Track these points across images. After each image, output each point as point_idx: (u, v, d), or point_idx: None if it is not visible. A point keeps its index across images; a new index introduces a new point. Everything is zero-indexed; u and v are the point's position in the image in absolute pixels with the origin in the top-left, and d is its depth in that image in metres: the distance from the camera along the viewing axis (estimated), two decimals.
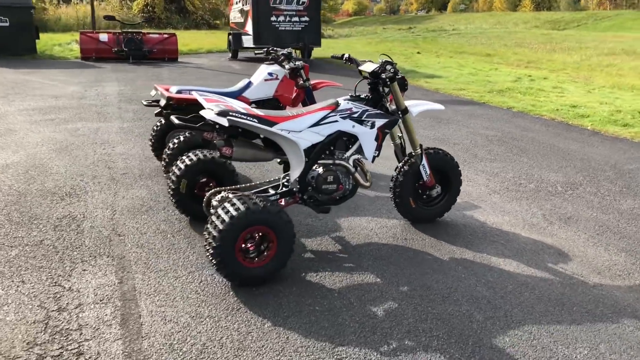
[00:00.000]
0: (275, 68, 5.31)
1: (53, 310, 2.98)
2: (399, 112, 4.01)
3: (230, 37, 18.29)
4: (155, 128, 5.35)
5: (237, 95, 5.17)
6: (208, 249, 3.21)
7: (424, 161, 4.18)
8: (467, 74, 14.90)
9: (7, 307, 3.00)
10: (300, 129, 3.69)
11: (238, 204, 3.21)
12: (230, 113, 3.46)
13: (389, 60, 3.84)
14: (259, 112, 3.59)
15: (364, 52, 20.20)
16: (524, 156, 6.62)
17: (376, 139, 3.88)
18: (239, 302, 3.13)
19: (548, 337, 2.91)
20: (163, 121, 5.32)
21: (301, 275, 3.46)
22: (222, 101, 3.87)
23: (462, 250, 3.92)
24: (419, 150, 4.16)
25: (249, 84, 5.23)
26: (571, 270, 3.68)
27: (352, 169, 3.89)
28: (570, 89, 12.39)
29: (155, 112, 5.29)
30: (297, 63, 5.34)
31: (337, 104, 3.82)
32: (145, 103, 5.29)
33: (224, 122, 3.39)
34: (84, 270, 3.44)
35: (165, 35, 17.19)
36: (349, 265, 3.61)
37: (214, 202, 3.64)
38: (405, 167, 4.20)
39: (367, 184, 4.00)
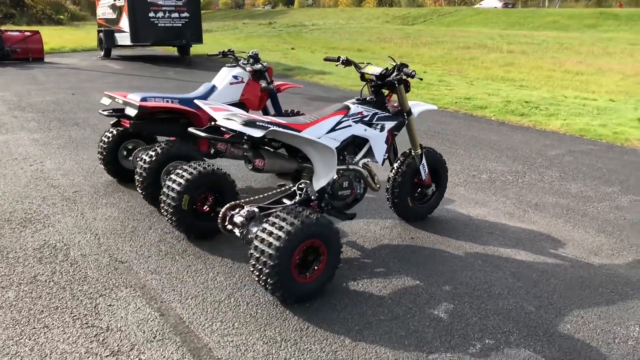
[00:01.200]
0: (239, 71, 5.09)
1: (108, 356, 2.63)
2: (405, 114, 4.04)
3: (100, 34, 17.12)
4: (106, 139, 4.89)
5: (197, 98, 4.87)
6: (262, 270, 3.02)
7: (424, 160, 4.27)
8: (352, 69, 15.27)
9: None
10: (319, 135, 3.60)
11: (290, 218, 3.06)
12: (258, 123, 3.29)
13: (403, 63, 3.85)
14: (281, 120, 3.44)
15: (243, 48, 19.91)
16: (459, 149, 6.99)
17: (386, 142, 3.90)
18: (302, 321, 2.99)
19: (598, 319, 3.13)
20: (114, 132, 4.87)
21: (343, 286, 3.39)
22: (225, 109, 3.66)
23: (469, 244, 4.07)
24: (419, 151, 4.23)
25: (213, 88, 4.96)
26: (572, 254, 3.98)
27: (366, 173, 3.87)
28: (453, 82, 13.26)
29: (113, 122, 4.85)
30: (261, 65, 5.17)
31: (347, 108, 3.77)
32: (105, 113, 4.80)
33: (256, 133, 3.20)
34: (110, 305, 3.08)
35: (28, 33, 15.66)
36: (381, 270, 3.61)
37: (239, 218, 3.42)
38: (404, 168, 4.26)
39: (377, 186, 4.01)
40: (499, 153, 6.81)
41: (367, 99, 3.95)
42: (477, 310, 3.17)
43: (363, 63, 4.08)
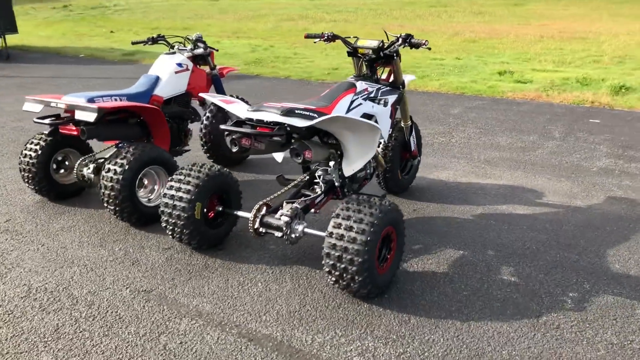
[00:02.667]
0: (182, 58, 4.56)
1: None
2: (400, 86, 3.97)
3: None
4: (33, 153, 4.10)
5: (149, 94, 4.32)
6: (346, 269, 2.78)
7: (414, 132, 4.26)
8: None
9: None
10: None
11: (366, 208, 2.86)
12: (297, 112, 3.02)
13: (409, 34, 3.75)
14: (306, 105, 3.20)
15: (54, 36, 17.92)
16: None
17: (390, 117, 3.81)
18: (398, 312, 2.85)
19: (629, 254, 3.43)
20: (42, 142, 4.12)
21: (410, 271, 3.28)
22: (235, 101, 3.34)
23: (468, 206, 4.19)
24: (409, 123, 4.21)
25: (157, 80, 4.39)
26: (557, 200, 4.30)
27: (378, 152, 3.77)
28: (307, 54, 13.35)
29: (49, 130, 4.09)
30: (203, 49, 4.70)
31: (354, 86, 3.61)
32: (48, 122, 4.01)
33: (302, 122, 2.94)
34: (182, 342, 2.64)
35: None
36: (418, 247, 3.56)
37: (285, 218, 3.13)
38: (393, 142, 4.21)
39: (386, 165, 3.93)
40: (415, 116, 7.02)
41: (363, 74, 3.80)
42: (535, 268, 3.27)
43: (349, 37, 3.89)
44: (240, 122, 3.13)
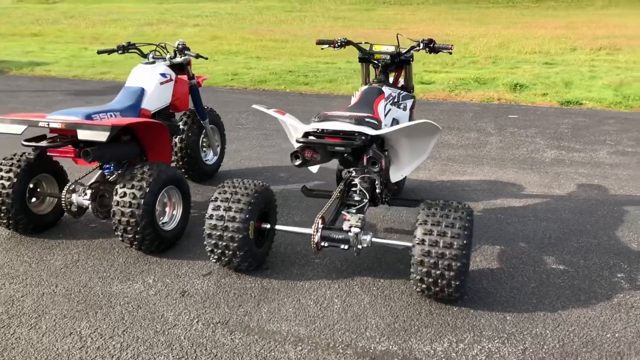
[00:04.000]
0: (163, 67, 4.22)
1: None
2: (411, 90, 4.06)
3: None
4: (6, 182, 3.58)
5: (138, 108, 3.97)
6: (442, 274, 2.80)
7: None
8: (69, 56, 13.45)
9: None
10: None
11: (453, 212, 2.91)
12: (367, 120, 3.01)
13: (431, 38, 3.81)
14: (359, 113, 3.19)
15: None
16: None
17: (409, 121, 3.89)
18: (501, 308, 2.93)
19: None
20: (16, 168, 3.62)
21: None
22: (286, 113, 3.25)
23: (470, 203, 4.30)
24: None
25: (142, 92, 4.03)
26: (547, 192, 4.66)
27: None
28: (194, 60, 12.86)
29: (34, 154, 3.60)
30: (183, 57, 4.40)
31: (382, 92, 3.64)
32: (45, 144, 3.49)
33: (375, 131, 2.94)
34: None
35: None
36: None
37: (355, 230, 3.07)
38: None
39: None
40: None
41: (378, 79, 3.83)
42: (570, 254, 3.53)
43: (361, 43, 3.89)
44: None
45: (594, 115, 7.38)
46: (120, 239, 3.41)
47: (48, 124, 3.36)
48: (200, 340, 2.66)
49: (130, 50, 4.31)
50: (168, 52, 4.36)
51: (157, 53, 4.32)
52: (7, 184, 3.57)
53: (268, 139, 6.26)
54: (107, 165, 3.80)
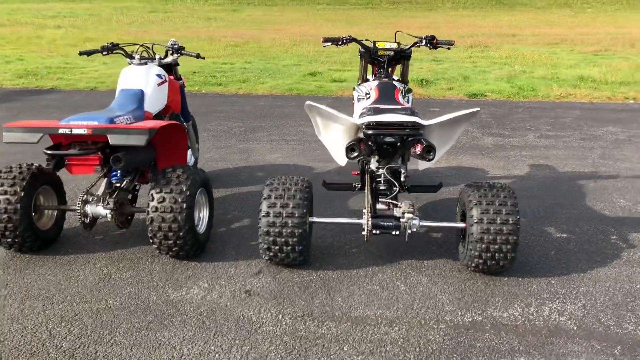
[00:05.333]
0: (157, 68, 4.09)
1: None
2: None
3: None
4: (12, 197, 3.30)
5: (142, 111, 3.83)
6: (503, 248, 3.08)
7: None
8: None
9: None
10: None
11: (502, 192, 3.20)
12: (416, 112, 3.26)
13: (433, 35, 4.08)
14: (397, 105, 3.42)
15: None
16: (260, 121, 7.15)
17: None
18: (572, 276, 3.30)
19: (623, 200, 4.46)
20: (21, 181, 3.38)
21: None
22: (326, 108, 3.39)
23: (454, 188, 4.76)
24: None
25: (142, 94, 3.90)
26: (513, 173, 5.15)
27: None
28: (80, 63, 12.20)
29: (50, 163, 3.37)
30: (173, 57, 4.30)
31: (395, 85, 3.88)
32: (74, 152, 3.25)
33: (428, 121, 3.20)
34: None
35: None
36: None
37: (409, 215, 3.27)
38: None
39: None
40: (294, 121, 7.29)
41: (387, 74, 4.05)
42: (580, 224, 4.01)
43: (363, 40, 4.09)
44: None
45: (503, 105, 8.19)
46: (156, 246, 3.29)
47: (71, 131, 3.14)
48: (298, 333, 2.70)
49: (114, 51, 4.10)
50: (155, 52, 4.20)
51: (145, 53, 4.16)
52: (13, 198, 3.29)
53: (219, 140, 6.20)
54: (114, 173, 3.62)
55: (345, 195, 4.44)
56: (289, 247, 3.15)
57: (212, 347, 2.60)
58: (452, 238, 3.70)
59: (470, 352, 2.56)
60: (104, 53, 4.06)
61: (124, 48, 4.13)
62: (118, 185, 3.58)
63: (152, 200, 3.22)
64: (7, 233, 3.31)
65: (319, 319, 2.82)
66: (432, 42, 4.00)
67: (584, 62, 11.97)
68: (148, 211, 3.23)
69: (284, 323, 2.78)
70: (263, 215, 3.14)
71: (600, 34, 17.08)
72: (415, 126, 3.06)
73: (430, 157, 3.14)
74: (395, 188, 3.55)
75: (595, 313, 2.88)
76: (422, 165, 3.64)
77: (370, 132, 3.05)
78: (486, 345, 2.61)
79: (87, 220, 3.43)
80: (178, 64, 4.31)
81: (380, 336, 2.68)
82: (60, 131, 3.14)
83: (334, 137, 3.46)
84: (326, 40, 4.08)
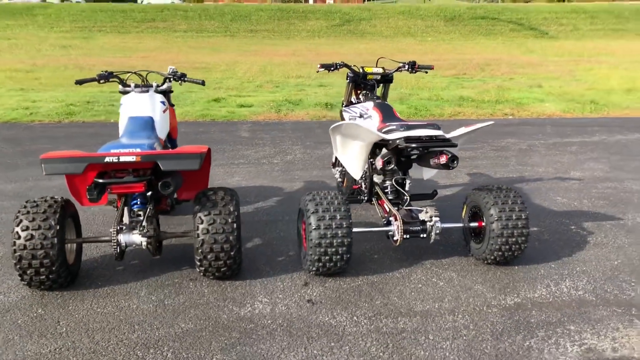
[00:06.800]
0: (160, 95, 4.15)
1: None
2: None
3: None
4: (48, 232, 3.20)
5: (157, 138, 3.91)
6: (519, 240, 3.61)
7: None
8: None
9: None
10: None
11: (514, 197, 3.73)
12: (438, 126, 3.74)
13: (414, 60, 4.56)
14: (409, 122, 3.89)
15: None
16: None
17: None
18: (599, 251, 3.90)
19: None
20: (53, 214, 3.29)
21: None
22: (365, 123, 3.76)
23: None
24: None
25: (153, 122, 3.95)
26: (461, 182, 5.84)
27: None
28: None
29: (94, 192, 3.32)
30: (168, 84, 4.37)
31: (391, 106, 4.35)
32: (124, 179, 3.21)
33: (449, 135, 3.69)
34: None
35: None
36: None
37: (436, 219, 3.69)
38: None
39: None
40: (229, 145, 7.41)
41: (378, 96, 4.50)
42: (542, 219, 4.68)
43: (354, 66, 4.49)
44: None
45: None
46: (204, 268, 3.36)
47: (118, 159, 3.14)
48: (381, 330, 2.98)
49: (110, 80, 4.07)
50: (147, 80, 4.22)
51: (138, 81, 4.17)
52: (48, 233, 3.19)
53: None
54: (135, 201, 3.62)
55: None
56: (338, 257, 3.39)
57: (315, 352, 2.78)
58: (452, 238, 4.14)
59: (531, 326, 3.02)
60: (101, 81, 4.00)
61: (119, 76, 4.10)
62: (141, 213, 3.57)
63: (202, 222, 3.29)
64: (42, 270, 3.18)
65: (391, 316, 3.11)
66: (414, 67, 4.48)
67: (453, 84, 13.35)
68: (197, 234, 3.29)
69: (362, 323, 3.03)
70: (314, 229, 3.35)
71: (451, 60, 19.03)
72: (446, 139, 3.49)
73: (454, 165, 3.58)
74: (405, 197, 3.95)
75: (600, 286, 3.49)
76: (427, 174, 4.07)
77: (414, 145, 3.41)
78: (539, 320, 3.08)
79: (120, 250, 3.40)
80: (172, 91, 4.34)
81: (452, 324, 3.04)
82: (107, 160, 3.11)
83: (354, 153, 3.78)
84: (322, 66, 4.39)
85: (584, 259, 3.86)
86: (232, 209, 3.34)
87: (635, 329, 3.00)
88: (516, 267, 3.72)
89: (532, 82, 13.60)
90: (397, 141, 3.48)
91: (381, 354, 2.77)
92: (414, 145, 3.44)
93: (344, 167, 4.86)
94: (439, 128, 3.57)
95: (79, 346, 2.80)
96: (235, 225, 3.31)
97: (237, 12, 35.19)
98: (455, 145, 3.48)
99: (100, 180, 3.15)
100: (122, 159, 3.10)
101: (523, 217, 3.55)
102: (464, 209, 3.92)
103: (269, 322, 3.03)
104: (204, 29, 32.16)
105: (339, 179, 5.03)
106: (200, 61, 17.59)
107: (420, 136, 3.47)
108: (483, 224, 3.65)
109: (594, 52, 22.11)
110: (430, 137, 3.48)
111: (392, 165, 3.52)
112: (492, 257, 3.63)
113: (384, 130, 3.64)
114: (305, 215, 3.44)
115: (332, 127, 3.66)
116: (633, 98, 11.43)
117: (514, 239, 3.54)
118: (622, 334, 2.95)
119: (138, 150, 3.22)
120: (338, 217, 3.38)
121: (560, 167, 6.35)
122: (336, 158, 5.00)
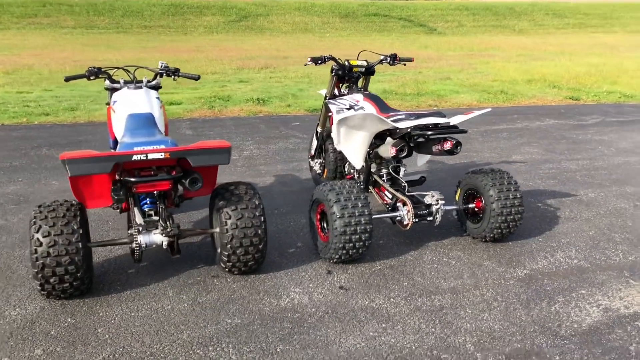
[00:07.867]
0: (154, 91, 4.05)
1: None
2: None
3: None
4: (72, 237, 3.06)
5: (162, 132, 3.85)
6: (516, 218, 3.94)
7: None
8: None
9: None
10: None
11: (505, 173, 4.06)
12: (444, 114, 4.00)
13: (394, 54, 4.75)
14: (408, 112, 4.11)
15: None
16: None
17: None
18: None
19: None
20: (75, 217, 3.16)
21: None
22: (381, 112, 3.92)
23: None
24: None
25: (153, 118, 3.87)
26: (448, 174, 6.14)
27: None
28: None
29: (119, 192, 3.23)
30: (157, 80, 4.27)
31: (378, 96, 4.56)
32: (154, 178, 3.11)
33: (453, 122, 3.94)
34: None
35: None
36: None
37: (442, 202, 3.94)
38: None
39: None
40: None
41: (364, 87, 4.67)
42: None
43: (340, 59, 4.63)
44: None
45: None
46: (230, 263, 3.36)
47: (146, 156, 3.07)
48: (422, 308, 3.14)
49: (100, 76, 3.91)
50: (135, 76, 4.09)
51: (126, 76, 4.04)
52: (72, 238, 3.06)
53: None
54: (145, 201, 3.55)
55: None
56: (361, 243, 3.51)
57: (371, 333, 2.89)
58: (442, 221, 4.34)
59: (549, 294, 3.32)
60: (91, 78, 3.83)
61: (108, 72, 3.94)
62: (152, 212, 3.49)
63: (230, 218, 3.28)
64: (66, 277, 3.03)
65: (425, 295, 3.28)
66: (395, 59, 4.68)
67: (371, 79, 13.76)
68: (226, 229, 3.27)
69: (401, 304, 3.18)
70: (339, 217, 3.45)
71: (356, 54, 19.58)
72: (455, 126, 3.71)
73: (457, 151, 3.81)
74: (403, 184, 4.15)
75: (589, 254, 3.88)
76: (421, 161, 4.28)
77: (429, 133, 3.59)
78: (553, 287, 3.40)
79: (139, 252, 3.31)
80: (161, 87, 4.22)
81: (482, 297, 3.27)
82: (135, 157, 3.02)
83: (357, 144, 3.91)
84: (311, 59, 4.46)
85: (564, 232, 4.25)
86: (257, 203, 3.34)
87: (634, 289, 3.38)
88: (510, 243, 4.03)
89: (441, 75, 14.35)
90: (411, 130, 3.63)
91: (433, 329, 2.92)
92: (429, 132, 3.61)
93: (324, 159, 4.96)
94: (444, 116, 3.77)
95: (132, 351, 2.71)
96: (262, 218, 3.32)
97: (127, 8, 33.80)
98: (465, 132, 3.70)
99: (133, 179, 3.04)
100: (150, 156, 3.01)
101: (518, 196, 3.86)
102: (458, 192, 4.16)
103: (312, 310, 3.09)
104: (93, 25, 30.60)
105: (319, 171, 5.12)
106: (102, 58, 16.77)
107: (434, 124, 3.65)
108: (481, 204, 3.90)
109: (482, 47, 23.67)
110: (441, 125, 3.67)
111: (405, 153, 3.68)
112: (492, 235, 3.90)
113: (391, 119, 3.78)
114: (327, 205, 3.51)
115: (340, 118, 3.74)
116: (535, 88, 12.44)
117: (511, 217, 3.83)
118: (626, 294, 3.32)
119: (162, 147, 3.14)
120: (360, 205, 3.48)
121: (502, 152, 6.83)
122: (316, 150, 5.08)
